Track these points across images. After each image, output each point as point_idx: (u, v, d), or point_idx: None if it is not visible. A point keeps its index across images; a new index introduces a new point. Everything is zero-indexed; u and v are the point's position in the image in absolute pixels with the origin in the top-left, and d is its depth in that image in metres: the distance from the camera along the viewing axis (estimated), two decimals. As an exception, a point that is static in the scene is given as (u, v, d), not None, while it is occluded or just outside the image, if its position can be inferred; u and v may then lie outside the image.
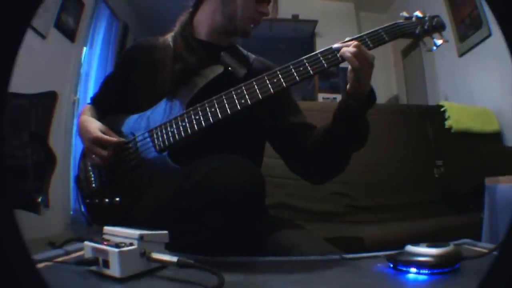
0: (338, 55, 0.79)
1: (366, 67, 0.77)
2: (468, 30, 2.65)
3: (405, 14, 0.92)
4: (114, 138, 0.87)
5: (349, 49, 0.77)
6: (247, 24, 0.94)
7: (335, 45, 0.80)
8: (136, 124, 0.90)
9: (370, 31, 0.84)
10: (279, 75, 0.80)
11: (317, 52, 0.81)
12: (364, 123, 0.86)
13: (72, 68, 2.94)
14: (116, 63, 1.13)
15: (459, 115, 2.25)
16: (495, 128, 2.26)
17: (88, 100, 1.08)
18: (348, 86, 0.81)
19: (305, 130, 0.97)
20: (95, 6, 3.28)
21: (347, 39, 0.82)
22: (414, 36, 0.90)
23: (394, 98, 4.00)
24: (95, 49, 3.42)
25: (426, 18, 0.91)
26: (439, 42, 0.92)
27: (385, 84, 4.09)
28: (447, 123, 2.22)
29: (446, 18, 2.79)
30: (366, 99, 0.82)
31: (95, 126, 0.89)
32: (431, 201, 1.95)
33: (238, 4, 0.92)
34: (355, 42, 0.78)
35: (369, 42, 0.82)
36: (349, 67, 0.78)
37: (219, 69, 0.88)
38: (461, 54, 2.75)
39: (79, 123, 0.94)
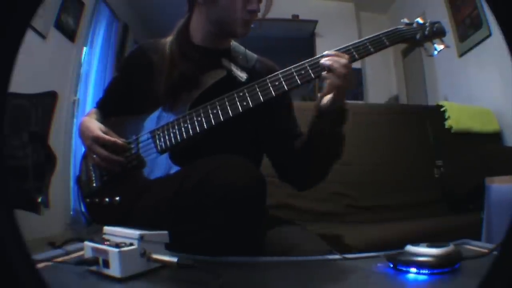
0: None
1: (347, 86, 0.80)
2: (468, 30, 2.65)
3: (406, 20, 0.93)
4: (114, 138, 0.87)
5: (340, 65, 0.78)
6: (238, 26, 0.89)
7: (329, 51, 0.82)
8: (138, 126, 0.90)
9: (371, 36, 0.85)
10: (281, 78, 0.80)
11: (318, 56, 0.82)
12: (337, 137, 0.88)
13: (72, 68, 2.93)
14: (119, 67, 1.12)
15: (459, 115, 2.24)
16: (495, 128, 2.26)
17: (90, 102, 1.08)
18: (323, 103, 0.84)
19: (289, 137, 0.97)
20: (95, 6, 3.28)
21: (350, 43, 0.83)
22: (414, 41, 0.91)
23: (394, 98, 4.00)
24: (95, 49, 3.41)
25: (427, 24, 0.92)
26: (439, 47, 0.92)
27: (385, 84, 4.09)
28: (447, 123, 2.21)
29: (446, 18, 2.79)
30: (338, 116, 0.85)
31: (96, 126, 0.90)
32: (431, 201, 1.95)
33: (223, 9, 0.87)
34: (345, 60, 0.79)
35: (370, 47, 0.83)
36: (327, 84, 0.80)
37: (221, 74, 0.88)
38: (461, 54, 2.74)
39: (81, 123, 0.95)
